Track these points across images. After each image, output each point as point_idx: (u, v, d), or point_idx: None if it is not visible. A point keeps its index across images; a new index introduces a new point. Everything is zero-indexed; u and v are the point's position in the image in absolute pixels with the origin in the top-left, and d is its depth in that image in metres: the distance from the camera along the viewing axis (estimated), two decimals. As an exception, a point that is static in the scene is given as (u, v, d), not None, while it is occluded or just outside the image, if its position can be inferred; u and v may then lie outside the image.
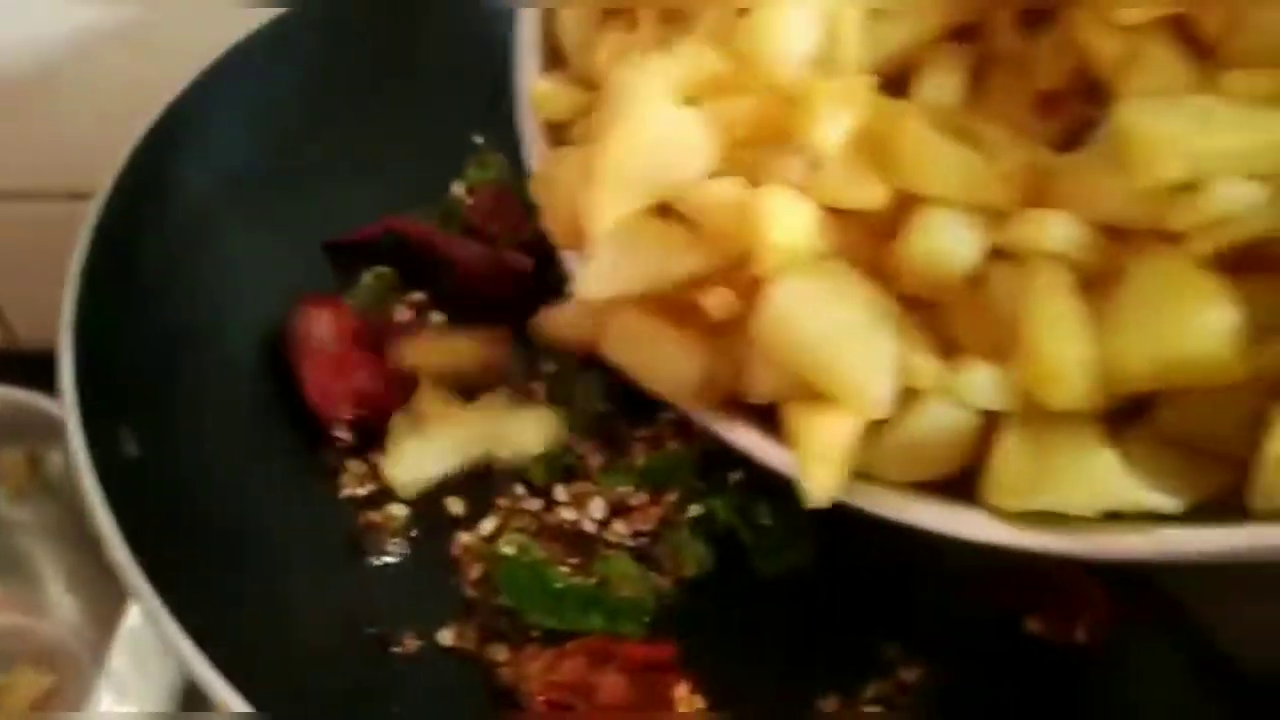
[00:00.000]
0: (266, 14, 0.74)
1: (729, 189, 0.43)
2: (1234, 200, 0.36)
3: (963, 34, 0.47)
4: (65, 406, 0.53)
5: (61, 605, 0.79)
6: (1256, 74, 0.38)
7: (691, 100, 0.44)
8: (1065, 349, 0.38)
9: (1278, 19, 0.39)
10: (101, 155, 0.66)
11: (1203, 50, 0.41)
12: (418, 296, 0.72)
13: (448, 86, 0.78)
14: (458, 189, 0.77)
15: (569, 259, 0.50)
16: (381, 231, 0.72)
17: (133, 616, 0.64)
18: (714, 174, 0.44)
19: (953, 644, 0.57)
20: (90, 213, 0.61)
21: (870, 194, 0.41)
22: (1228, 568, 0.39)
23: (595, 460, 0.64)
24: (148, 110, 0.67)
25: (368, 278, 0.72)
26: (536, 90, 0.51)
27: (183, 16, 0.80)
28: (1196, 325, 0.36)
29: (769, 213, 0.41)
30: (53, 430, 0.76)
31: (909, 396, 0.41)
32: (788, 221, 0.41)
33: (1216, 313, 0.36)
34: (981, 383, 0.40)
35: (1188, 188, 0.36)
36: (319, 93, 0.74)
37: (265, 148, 0.72)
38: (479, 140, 0.79)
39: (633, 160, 0.43)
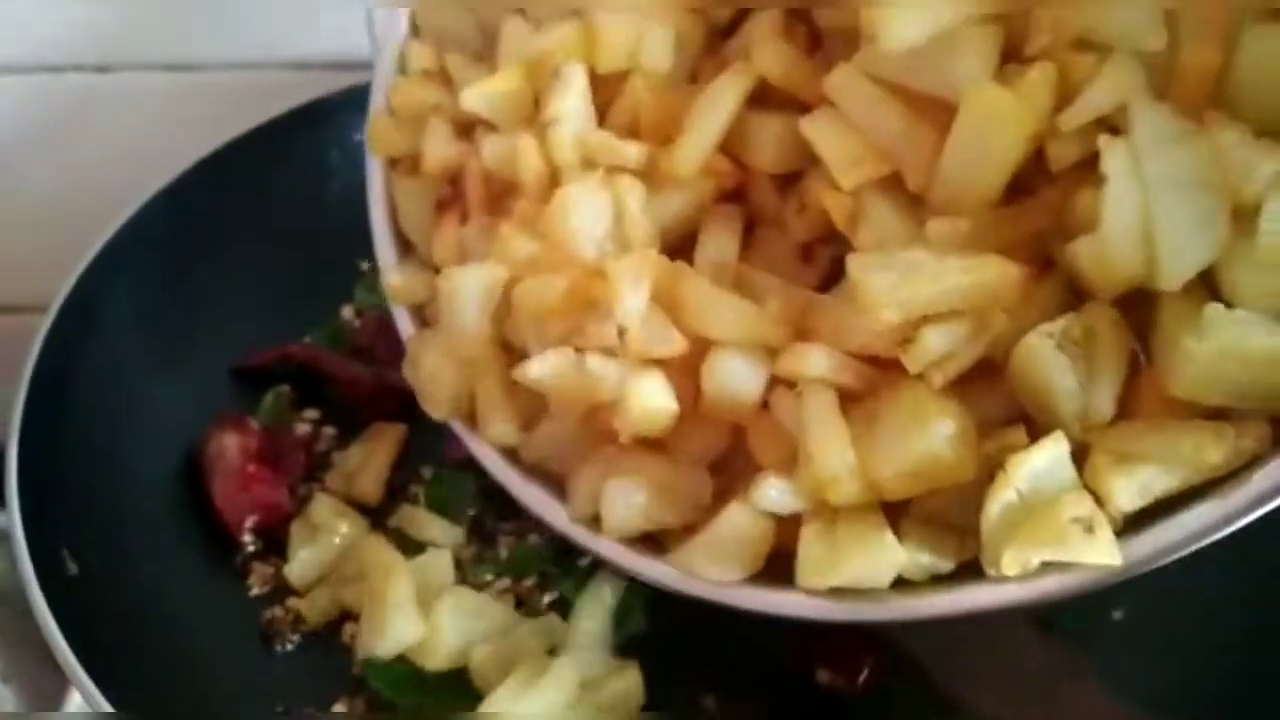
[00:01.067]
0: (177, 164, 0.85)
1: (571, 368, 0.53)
2: (941, 342, 0.46)
3: (732, 197, 0.57)
4: (14, 538, 0.65)
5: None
6: (953, 220, 0.47)
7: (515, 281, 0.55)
8: (833, 458, 0.47)
9: (960, 169, 0.46)
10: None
11: (916, 200, 0.50)
12: (313, 413, 0.83)
13: (337, 221, 0.90)
14: (347, 312, 0.89)
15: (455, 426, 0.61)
16: (277, 356, 0.84)
17: (73, 704, 0.74)
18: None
19: (760, 692, 0.69)
20: (34, 343, 0.74)
21: (672, 345, 0.51)
22: (956, 626, 0.50)
23: (467, 553, 0.76)
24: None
25: (269, 397, 0.84)
26: (391, 284, 0.63)
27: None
28: (927, 438, 0.45)
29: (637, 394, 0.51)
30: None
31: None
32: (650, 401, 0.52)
33: (942, 427, 0.45)
34: (773, 493, 0.50)
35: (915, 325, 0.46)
36: (222, 235, 0.87)
37: (178, 286, 0.85)
38: (365, 266, 0.90)
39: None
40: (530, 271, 0.55)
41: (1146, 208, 0.43)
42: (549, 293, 0.54)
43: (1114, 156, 0.43)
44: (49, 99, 1.04)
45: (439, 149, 0.62)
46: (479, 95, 0.58)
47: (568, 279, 0.54)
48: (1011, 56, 0.47)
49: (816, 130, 0.51)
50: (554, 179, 0.57)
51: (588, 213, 0.55)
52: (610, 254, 0.55)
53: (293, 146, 0.92)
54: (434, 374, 0.59)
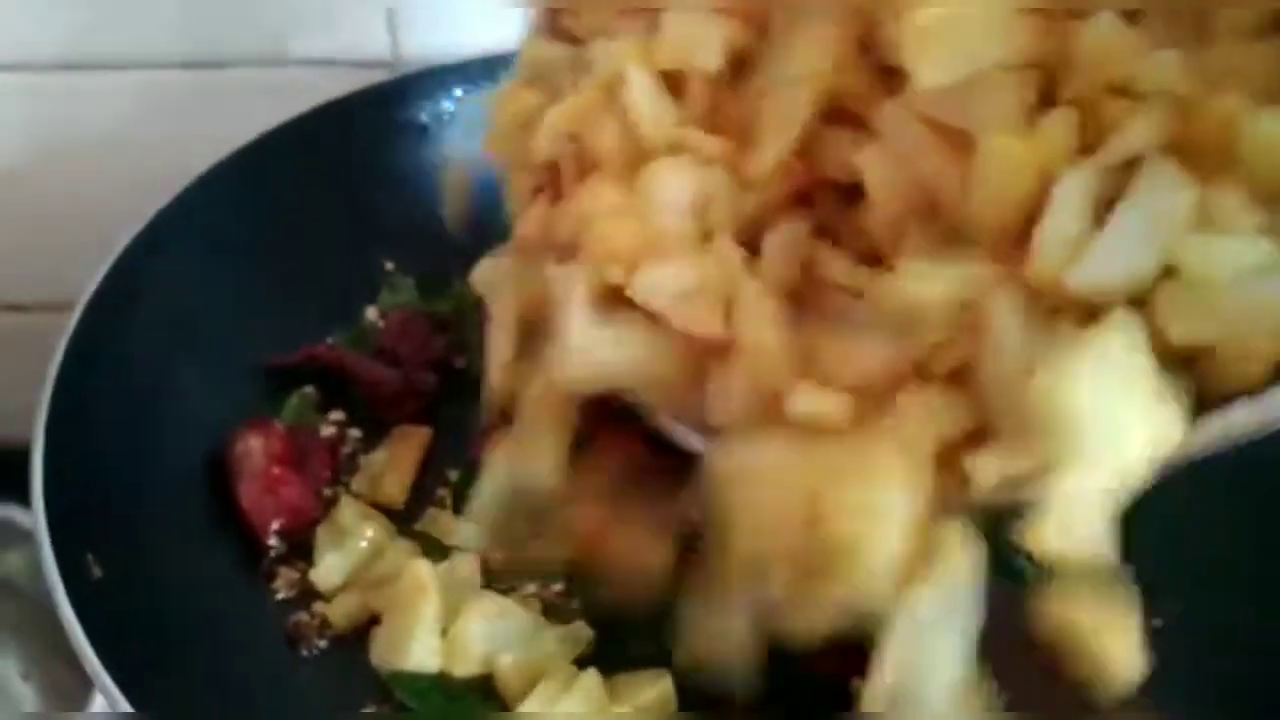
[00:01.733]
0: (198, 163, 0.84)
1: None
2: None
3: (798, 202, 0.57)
4: (39, 541, 0.64)
5: (20, 694, 0.89)
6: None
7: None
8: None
9: (980, 207, 0.48)
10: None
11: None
12: (338, 415, 0.83)
13: (361, 221, 0.90)
14: (371, 313, 0.89)
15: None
16: (302, 357, 0.84)
17: (96, 704, 0.74)
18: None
19: (791, 698, 0.68)
20: (59, 344, 0.74)
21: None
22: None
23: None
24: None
25: (294, 399, 0.84)
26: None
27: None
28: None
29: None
30: (12, 534, 0.87)
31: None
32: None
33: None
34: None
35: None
36: (243, 237, 0.87)
37: (208, 285, 0.84)
38: (389, 266, 0.90)
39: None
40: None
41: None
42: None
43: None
44: (67, 98, 1.03)
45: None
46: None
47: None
48: (1050, 100, 0.49)
49: (866, 159, 0.53)
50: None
51: (675, 187, 0.55)
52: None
53: (314, 147, 0.91)
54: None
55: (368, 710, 0.69)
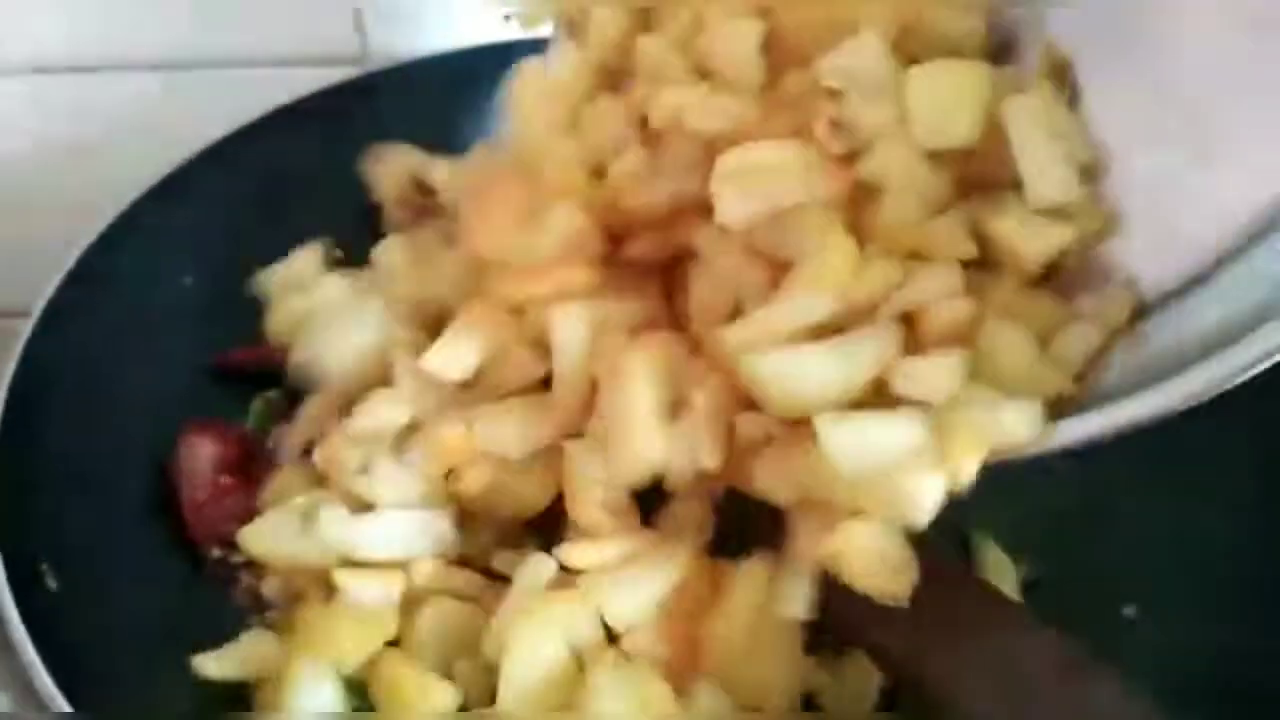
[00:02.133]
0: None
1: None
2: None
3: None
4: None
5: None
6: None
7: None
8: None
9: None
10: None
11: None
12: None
13: (317, 220, 0.89)
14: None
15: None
16: (259, 356, 0.83)
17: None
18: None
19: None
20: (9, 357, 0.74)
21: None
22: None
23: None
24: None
25: (258, 403, 0.83)
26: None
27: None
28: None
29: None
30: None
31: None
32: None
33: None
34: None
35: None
36: (201, 241, 0.87)
37: (159, 290, 0.84)
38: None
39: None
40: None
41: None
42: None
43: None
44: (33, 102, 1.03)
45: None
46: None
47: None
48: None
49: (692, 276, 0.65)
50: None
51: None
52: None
53: (280, 145, 0.90)
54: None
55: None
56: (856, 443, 0.54)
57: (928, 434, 0.54)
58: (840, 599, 0.60)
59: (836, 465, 0.54)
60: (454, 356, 0.69)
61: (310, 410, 0.76)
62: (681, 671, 0.64)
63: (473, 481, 0.67)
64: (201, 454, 0.75)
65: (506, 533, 0.69)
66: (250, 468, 0.77)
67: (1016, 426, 0.54)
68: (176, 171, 0.87)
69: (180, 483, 0.75)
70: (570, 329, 0.66)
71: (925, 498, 0.53)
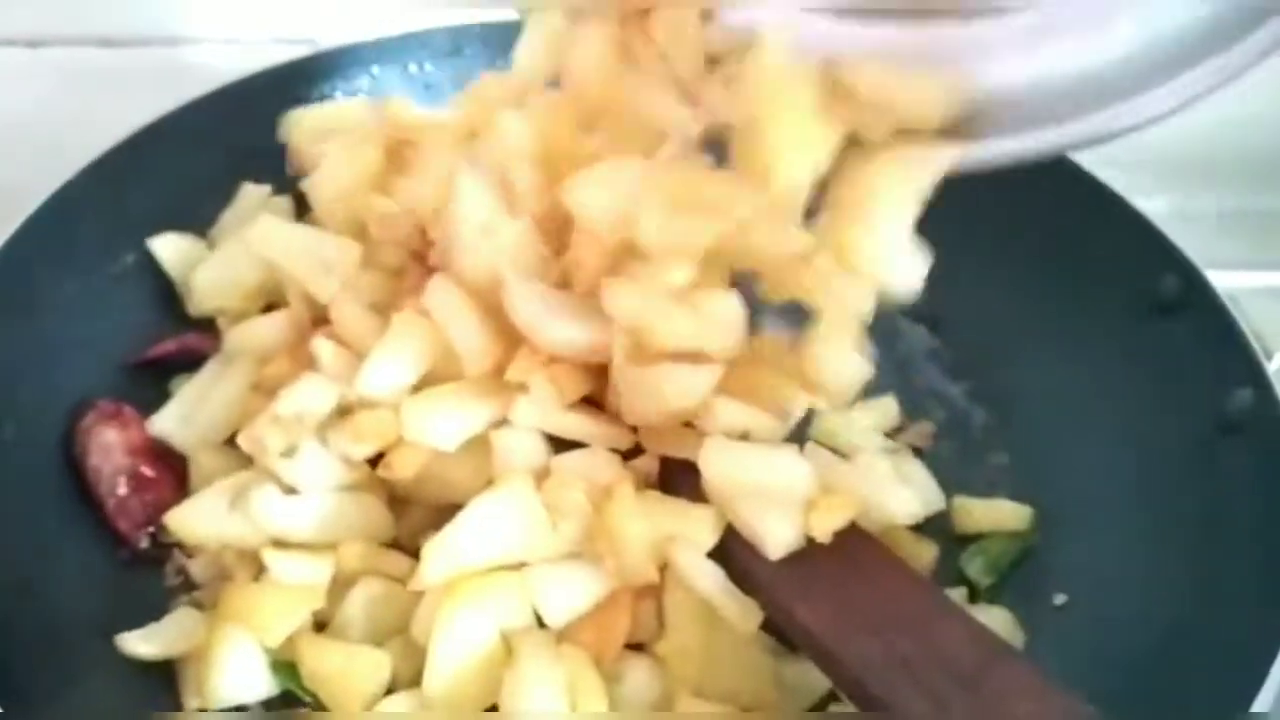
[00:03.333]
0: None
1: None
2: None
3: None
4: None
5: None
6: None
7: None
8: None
9: None
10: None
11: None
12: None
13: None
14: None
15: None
16: (176, 348, 0.83)
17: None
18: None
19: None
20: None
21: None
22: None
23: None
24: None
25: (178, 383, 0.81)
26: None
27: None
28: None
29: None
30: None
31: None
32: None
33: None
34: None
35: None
36: (119, 228, 0.86)
37: (93, 272, 0.83)
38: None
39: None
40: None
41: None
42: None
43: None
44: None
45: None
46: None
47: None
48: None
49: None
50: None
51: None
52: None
53: (221, 125, 0.90)
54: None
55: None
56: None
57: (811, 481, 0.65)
58: (770, 574, 0.62)
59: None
60: (388, 374, 0.69)
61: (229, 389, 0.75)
62: (609, 655, 0.64)
63: (401, 468, 0.67)
64: (113, 441, 0.75)
65: (440, 516, 0.68)
66: (168, 455, 0.76)
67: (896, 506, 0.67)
68: (106, 155, 0.85)
69: (97, 483, 0.74)
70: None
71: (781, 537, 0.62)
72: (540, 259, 0.72)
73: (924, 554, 0.75)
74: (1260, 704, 0.59)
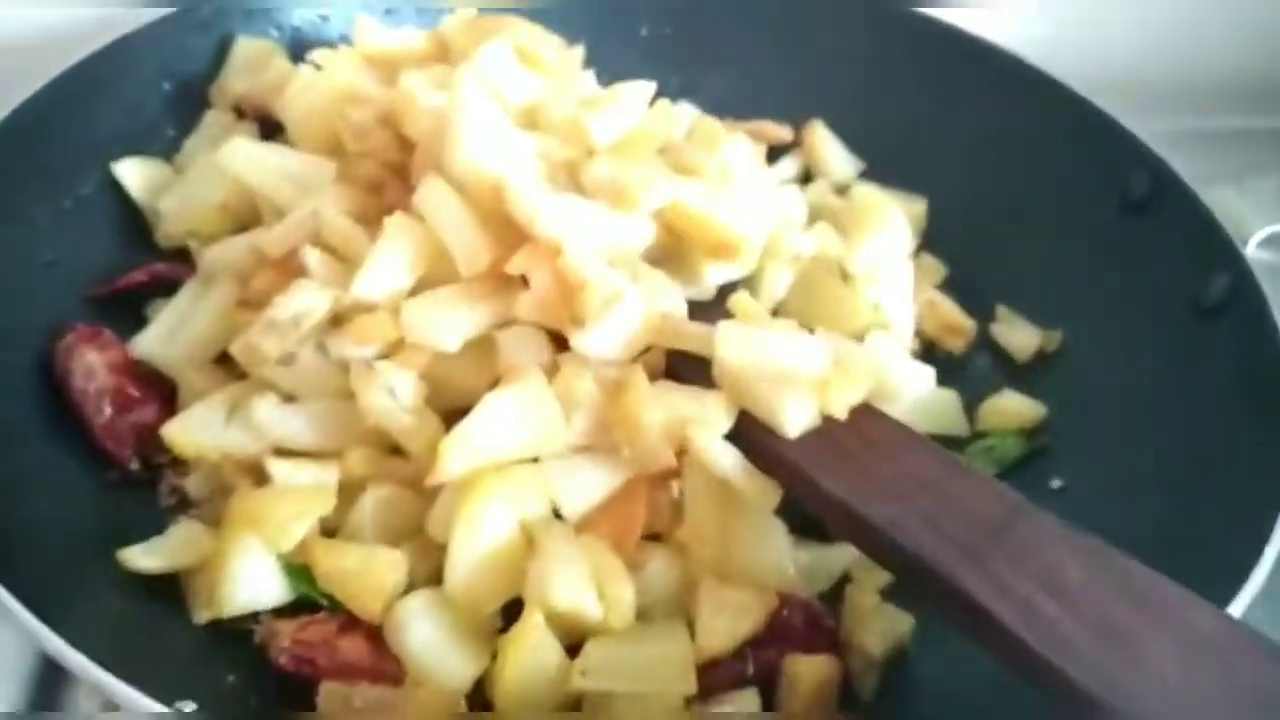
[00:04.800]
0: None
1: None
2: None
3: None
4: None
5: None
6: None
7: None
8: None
9: None
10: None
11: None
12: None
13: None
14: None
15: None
16: (147, 277, 0.81)
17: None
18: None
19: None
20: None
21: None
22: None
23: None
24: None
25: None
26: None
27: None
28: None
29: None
30: None
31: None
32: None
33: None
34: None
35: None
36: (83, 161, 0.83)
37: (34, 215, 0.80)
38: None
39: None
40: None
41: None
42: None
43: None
44: None
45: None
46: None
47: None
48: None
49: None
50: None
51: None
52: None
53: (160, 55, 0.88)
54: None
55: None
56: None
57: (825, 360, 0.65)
58: (792, 452, 0.62)
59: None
60: (385, 277, 0.69)
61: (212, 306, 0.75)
62: (628, 545, 0.65)
63: (405, 367, 0.66)
64: (95, 363, 0.73)
65: (448, 420, 0.67)
66: (151, 376, 0.75)
67: (907, 380, 0.69)
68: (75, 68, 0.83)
69: (83, 404, 0.72)
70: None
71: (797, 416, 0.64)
72: (535, 165, 0.72)
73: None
74: (1258, 575, 0.62)
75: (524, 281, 0.68)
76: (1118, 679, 0.52)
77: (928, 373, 0.75)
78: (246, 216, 0.81)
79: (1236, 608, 0.60)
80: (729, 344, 0.65)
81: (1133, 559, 0.58)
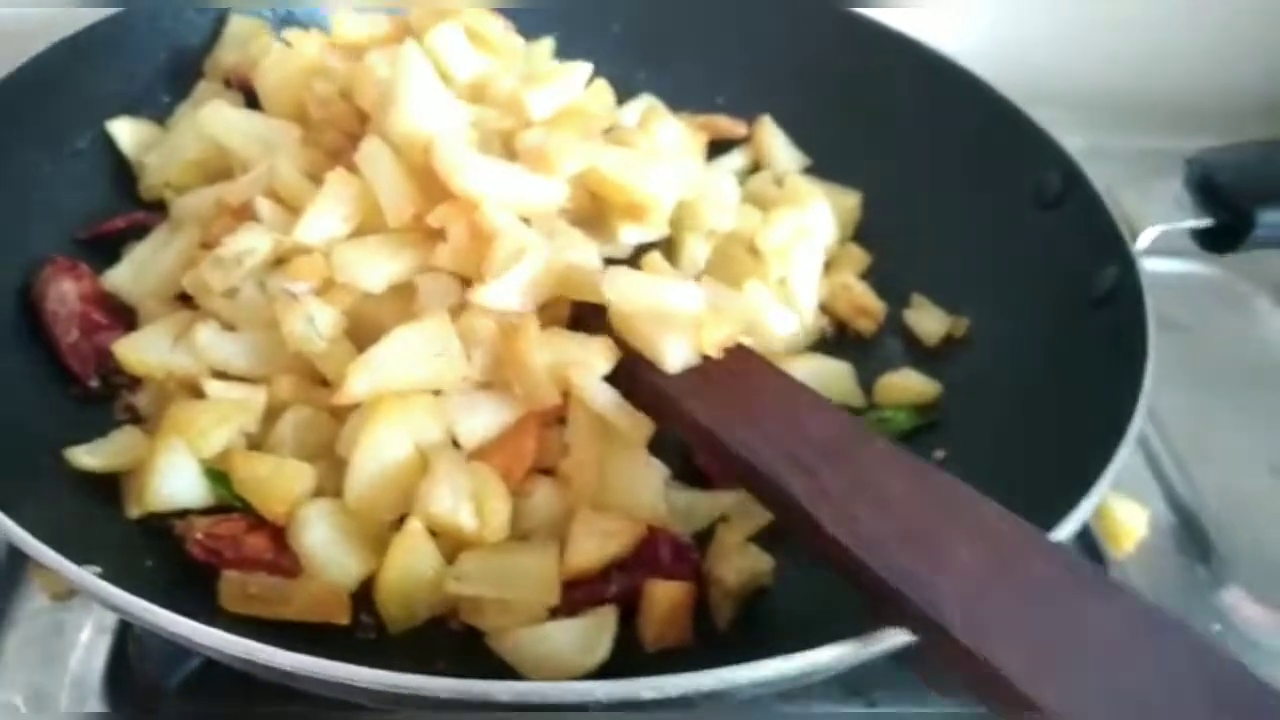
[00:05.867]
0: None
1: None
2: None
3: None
4: None
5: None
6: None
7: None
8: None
9: None
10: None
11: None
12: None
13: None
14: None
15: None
16: (126, 223, 0.90)
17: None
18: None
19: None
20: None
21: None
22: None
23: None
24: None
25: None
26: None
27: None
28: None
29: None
30: None
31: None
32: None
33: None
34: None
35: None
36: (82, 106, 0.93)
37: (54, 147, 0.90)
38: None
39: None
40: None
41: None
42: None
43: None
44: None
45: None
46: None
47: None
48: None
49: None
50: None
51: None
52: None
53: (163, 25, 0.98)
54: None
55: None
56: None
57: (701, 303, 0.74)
58: (671, 386, 0.71)
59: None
60: (323, 224, 0.77)
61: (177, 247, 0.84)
62: (517, 475, 0.72)
63: (332, 303, 0.74)
64: (69, 291, 0.82)
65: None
66: (120, 308, 0.84)
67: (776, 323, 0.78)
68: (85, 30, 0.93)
69: (53, 325, 0.81)
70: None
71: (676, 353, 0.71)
72: (469, 131, 0.80)
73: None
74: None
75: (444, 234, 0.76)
76: (919, 574, 0.59)
77: (792, 318, 0.83)
78: (218, 172, 0.90)
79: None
80: (616, 287, 0.73)
81: (956, 479, 0.65)
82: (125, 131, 0.94)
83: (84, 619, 0.79)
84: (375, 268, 0.76)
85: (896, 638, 0.59)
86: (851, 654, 0.60)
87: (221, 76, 0.99)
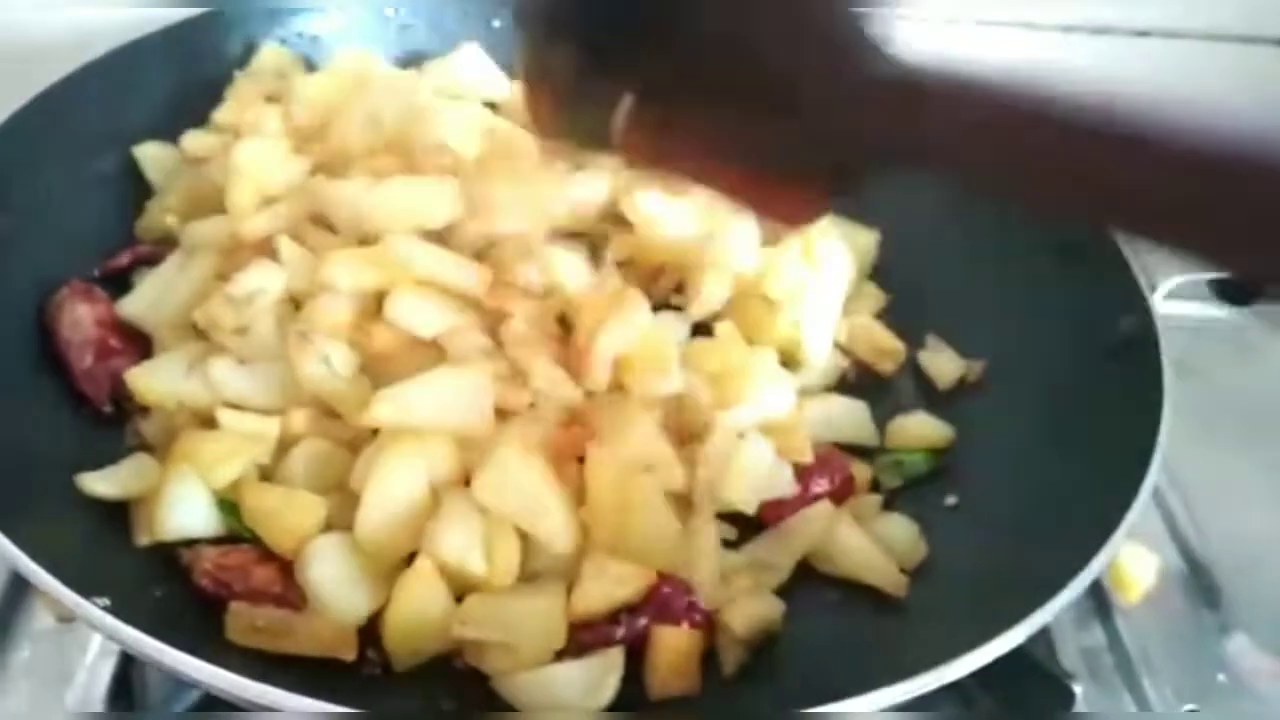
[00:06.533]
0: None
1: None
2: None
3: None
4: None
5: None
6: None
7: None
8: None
9: None
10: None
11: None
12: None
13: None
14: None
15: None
16: (130, 259, 0.91)
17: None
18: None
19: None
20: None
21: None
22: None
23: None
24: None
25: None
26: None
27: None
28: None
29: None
30: None
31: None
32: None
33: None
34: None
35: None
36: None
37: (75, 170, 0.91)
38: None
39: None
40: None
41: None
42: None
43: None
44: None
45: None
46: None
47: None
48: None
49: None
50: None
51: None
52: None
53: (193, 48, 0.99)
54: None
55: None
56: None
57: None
58: None
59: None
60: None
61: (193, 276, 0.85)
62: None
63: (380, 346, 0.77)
64: (85, 316, 0.82)
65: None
66: (134, 334, 0.84)
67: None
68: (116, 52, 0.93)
69: (67, 351, 0.82)
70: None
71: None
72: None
73: (860, 474, 0.85)
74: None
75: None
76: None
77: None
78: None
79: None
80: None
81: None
82: (151, 156, 0.95)
83: (89, 640, 0.79)
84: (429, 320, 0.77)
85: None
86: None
87: (246, 105, 0.99)
